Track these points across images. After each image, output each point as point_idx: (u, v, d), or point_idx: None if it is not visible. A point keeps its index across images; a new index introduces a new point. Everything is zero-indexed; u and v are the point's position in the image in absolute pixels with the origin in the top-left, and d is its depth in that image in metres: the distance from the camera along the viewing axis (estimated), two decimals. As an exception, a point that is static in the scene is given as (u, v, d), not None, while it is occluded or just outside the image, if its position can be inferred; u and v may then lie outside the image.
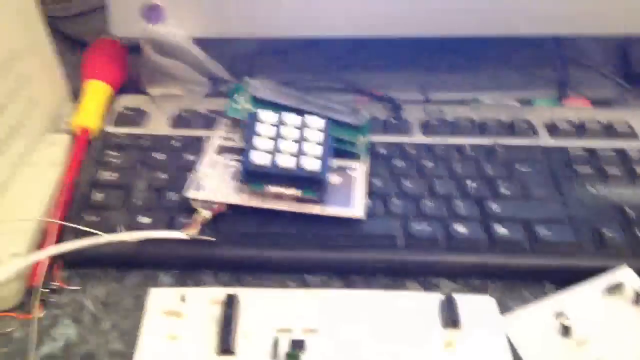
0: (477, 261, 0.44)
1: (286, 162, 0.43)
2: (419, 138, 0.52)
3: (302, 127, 0.46)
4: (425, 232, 0.44)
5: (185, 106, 0.53)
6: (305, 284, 0.44)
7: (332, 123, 0.47)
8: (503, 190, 0.47)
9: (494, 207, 0.46)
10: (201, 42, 0.54)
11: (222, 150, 0.48)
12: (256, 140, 0.44)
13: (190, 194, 0.43)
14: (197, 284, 0.44)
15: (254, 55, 0.61)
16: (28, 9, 0.50)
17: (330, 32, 0.53)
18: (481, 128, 0.53)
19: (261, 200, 0.43)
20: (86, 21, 0.69)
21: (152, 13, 0.51)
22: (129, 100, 0.55)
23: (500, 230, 0.44)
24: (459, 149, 0.51)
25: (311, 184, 0.43)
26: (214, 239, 0.43)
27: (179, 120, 0.52)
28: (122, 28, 0.52)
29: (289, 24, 0.52)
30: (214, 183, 0.44)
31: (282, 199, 0.43)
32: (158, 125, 0.52)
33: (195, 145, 0.50)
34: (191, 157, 0.49)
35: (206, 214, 0.43)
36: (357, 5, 0.52)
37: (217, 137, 0.49)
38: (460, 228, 0.44)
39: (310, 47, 0.60)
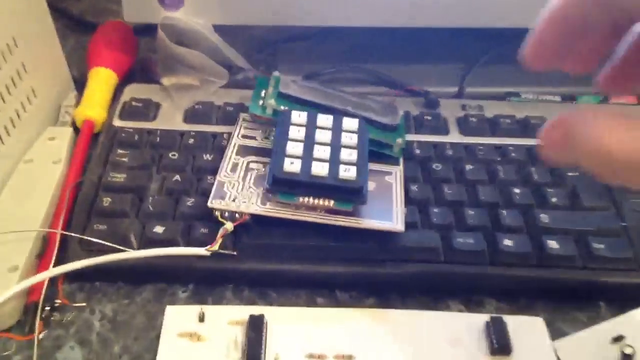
0: (526, 277, 0.39)
1: (319, 169, 0.38)
2: (456, 137, 0.47)
3: (335, 128, 0.41)
4: (469, 245, 0.40)
5: (201, 98, 0.49)
6: (335, 301, 0.40)
7: (366, 123, 0.43)
8: (552, 198, 0.42)
9: (543, 217, 0.41)
10: (218, 30, 0.49)
11: (243, 151, 0.43)
12: (286, 145, 0.40)
13: (215, 204, 0.39)
14: (217, 300, 0.39)
15: (275, 44, 0.56)
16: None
17: (358, 22, 0.48)
18: (523, 126, 0.48)
19: (290, 212, 0.39)
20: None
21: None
22: (138, 90, 0.50)
23: (551, 243, 0.40)
24: (501, 150, 0.46)
25: (346, 194, 0.38)
26: (234, 253, 0.38)
27: (194, 114, 0.48)
28: (136, 13, 0.48)
29: (313, 11, 0.48)
30: (236, 190, 0.40)
31: (313, 210, 0.39)
32: (170, 119, 0.48)
33: (212, 143, 0.46)
34: (207, 157, 0.44)
35: (229, 226, 0.38)
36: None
37: (237, 135, 0.44)
38: (507, 241, 0.40)
39: (335, 35, 0.55)
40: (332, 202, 0.38)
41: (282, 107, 0.44)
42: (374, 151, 0.43)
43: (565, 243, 0.40)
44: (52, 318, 0.38)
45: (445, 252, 0.40)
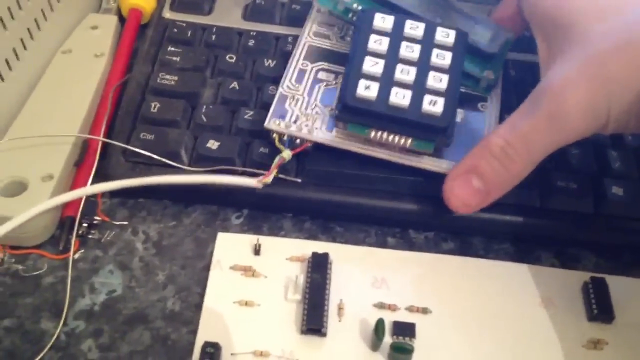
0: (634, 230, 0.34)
1: (399, 98, 0.32)
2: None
3: (426, 41, 0.34)
4: (570, 189, 0.34)
5: (265, -8, 0.42)
6: (409, 243, 0.34)
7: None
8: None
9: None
10: None
11: (313, 54, 0.37)
12: (363, 60, 0.33)
13: (272, 125, 0.33)
14: (275, 230, 0.34)
15: None
16: None
17: None
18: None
19: (359, 145, 0.33)
20: None
21: None
22: (192, -23, 0.43)
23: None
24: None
25: (429, 132, 0.32)
26: (298, 180, 0.33)
27: (254, 11, 0.41)
28: None
29: None
30: (300, 109, 0.34)
31: (387, 146, 0.33)
32: (228, 14, 0.41)
33: (274, 47, 0.39)
34: (269, 63, 0.38)
35: (286, 155, 0.33)
36: None
37: (307, 33, 0.38)
38: (616, 188, 0.34)
39: None
40: (410, 140, 0.32)
41: (355, 5, 0.36)
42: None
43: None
44: (89, 236, 0.33)
45: (541, 195, 0.34)
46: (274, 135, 0.33)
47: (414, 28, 0.34)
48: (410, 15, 0.35)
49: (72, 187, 0.34)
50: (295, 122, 0.33)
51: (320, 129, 0.33)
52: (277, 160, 0.33)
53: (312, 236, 0.34)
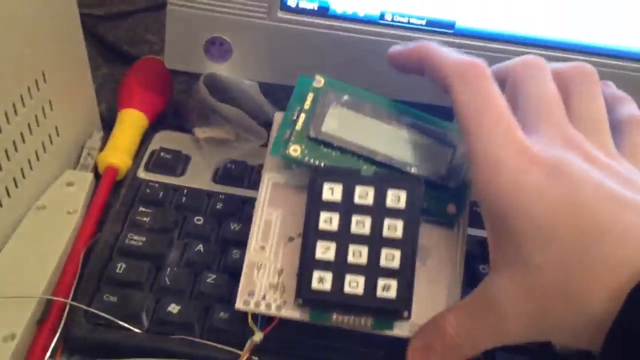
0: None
1: (353, 286, 0.33)
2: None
3: (377, 206, 0.34)
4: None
5: (235, 157, 0.45)
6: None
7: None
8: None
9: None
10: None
11: (277, 196, 0.36)
12: (316, 247, 0.33)
13: (243, 305, 0.34)
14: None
15: None
16: (67, 12, 0.42)
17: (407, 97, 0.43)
18: None
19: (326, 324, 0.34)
20: (127, 24, 0.61)
21: (217, 49, 0.42)
22: (168, 139, 0.46)
23: None
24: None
25: (386, 315, 0.33)
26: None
27: (225, 174, 0.44)
28: (179, 61, 0.44)
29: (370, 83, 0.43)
30: (268, 278, 0.34)
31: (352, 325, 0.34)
32: (199, 176, 0.44)
33: (241, 210, 0.42)
34: (234, 227, 0.40)
35: (258, 337, 0.34)
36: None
37: (266, 185, 0.36)
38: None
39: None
40: (369, 322, 0.33)
41: (307, 159, 0.35)
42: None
43: None
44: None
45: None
46: (248, 312, 0.34)
47: (364, 196, 0.34)
48: (366, 159, 0.35)
49: (33, 346, 0.34)
50: (264, 297, 0.34)
51: (290, 302, 0.34)
52: (248, 344, 0.34)
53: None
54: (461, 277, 0.35)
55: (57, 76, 0.41)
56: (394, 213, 0.34)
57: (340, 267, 0.33)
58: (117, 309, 0.35)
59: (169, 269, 0.37)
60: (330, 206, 0.34)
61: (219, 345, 0.34)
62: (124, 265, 0.37)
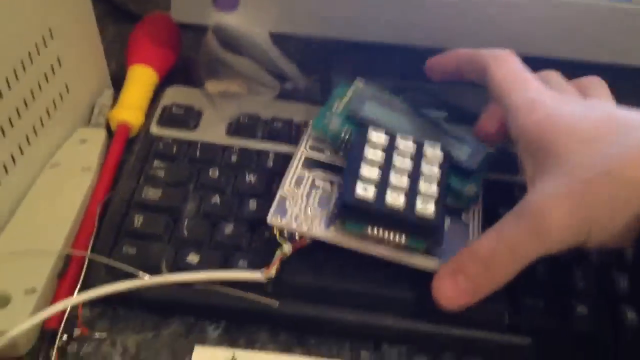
0: None
1: (394, 199, 0.34)
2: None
3: (416, 155, 0.37)
4: (538, 307, 0.35)
5: (247, 109, 0.44)
6: (382, 357, 0.35)
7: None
8: None
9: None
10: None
11: (310, 165, 0.39)
12: (360, 167, 0.35)
13: (274, 221, 0.35)
14: (251, 342, 0.35)
15: (330, 57, 0.50)
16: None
17: (420, 41, 0.44)
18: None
19: (355, 242, 0.35)
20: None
21: None
22: (180, 94, 0.46)
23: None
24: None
25: (421, 231, 0.34)
26: (276, 305, 0.34)
27: (238, 127, 0.43)
28: (186, 13, 0.43)
29: (381, 28, 0.43)
30: (299, 208, 0.36)
31: (382, 244, 0.35)
32: (212, 130, 0.43)
33: (255, 162, 0.41)
34: (250, 178, 0.40)
35: (287, 249, 0.35)
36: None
37: (304, 146, 0.40)
38: (581, 307, 0.35)
39: (404, 52, 0.48)
40: (404, 237, 0.34)
41: (343, 134, 0.40)
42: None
43: None
44: (69, 348, 0.34)
45: (512, 313, 0.35)
46: (276, 230, 0.35)
47: (405, 144, 0.38)
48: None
49: (55, 299, 0.35)
50: (295, 219, 0.35)
51: (319, 227, 0.35)
52: (278, 254, 0.34)
53: (287, 348, 0.35)
54: None
55: (65, 32, 0.41)
56: (431, 162, 0.37)
57: (383, 184, 0.35)
58: (136, 261, 0.35)
59: (186, 221, 0.37)
60: (376, 145, 0.37)
61: (240, 292, 0.34)
62: (141, 218, 0.37)
